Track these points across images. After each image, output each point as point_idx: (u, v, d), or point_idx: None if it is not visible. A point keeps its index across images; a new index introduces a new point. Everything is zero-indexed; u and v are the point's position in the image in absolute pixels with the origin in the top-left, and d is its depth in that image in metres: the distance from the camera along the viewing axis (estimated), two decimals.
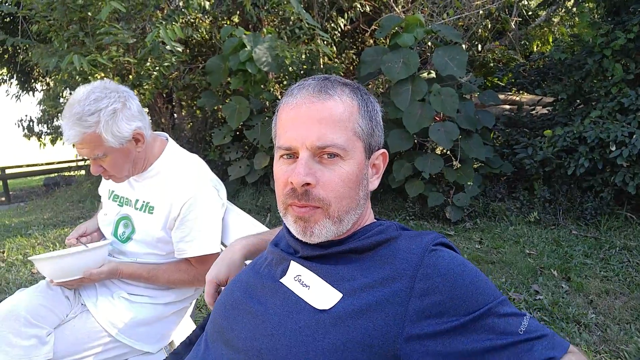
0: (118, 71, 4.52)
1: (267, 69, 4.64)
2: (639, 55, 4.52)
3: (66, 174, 10.28)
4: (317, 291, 0.77)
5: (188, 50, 6.18)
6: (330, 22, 6.25)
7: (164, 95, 6.54)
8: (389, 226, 0.85)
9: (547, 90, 5.89)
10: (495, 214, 4.54)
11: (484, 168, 4.92)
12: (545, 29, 8.15)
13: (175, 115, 6.95)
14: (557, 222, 4.24)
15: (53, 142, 8.90)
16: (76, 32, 4.12)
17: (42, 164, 11.45)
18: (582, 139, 4.21)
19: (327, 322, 0.73)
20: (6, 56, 8.80)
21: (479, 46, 7.18)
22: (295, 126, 0.78)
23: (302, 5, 4.78)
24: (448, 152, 4.78)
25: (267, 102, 5.27)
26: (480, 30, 6.77)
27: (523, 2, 7.46)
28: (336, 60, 6.26)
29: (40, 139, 9.18)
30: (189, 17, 5.26)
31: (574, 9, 6.29)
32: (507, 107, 6.31)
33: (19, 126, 9.03)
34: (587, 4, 5.48)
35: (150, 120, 3.60)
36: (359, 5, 6.28)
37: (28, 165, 11.38)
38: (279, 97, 5.44)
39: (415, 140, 4.74)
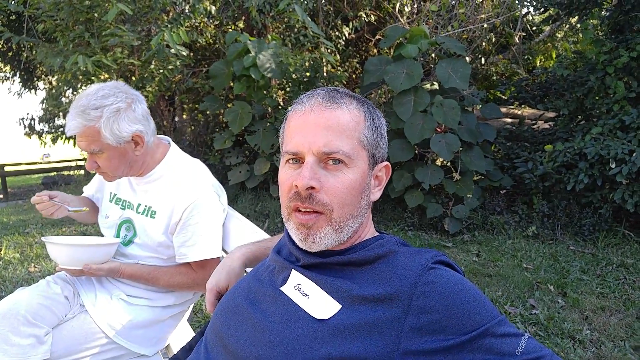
0: (122, 73, 4.55)
1: (271, 75, 4.66)
2: None
3: (65, 173, 10.28)
4: (316, 301, 0.78)
5: (192, 54, 6.22)
6: (335, 30, 6.29)
7: (167, 98, 6.57)
8: (389, 240, 0.85)
9: (549, 105, 5.92)
10: (493, 227, 4.54)
11: (483, 181, 4.93)
12: (549, 44, 8.22)
13: (177, 118, 6.98)
14: (555, 237, 4.24)
15: (54, 141, 8.91)
16: (82, 33, 4.14)
17: (41, 162, 11.46)
18: (582, 155, 4.22)
19: (325, 332, 0.73)
20: (10, 54, 8.83)
21: (483, 59, 7.24)
22: (303, 132, 0.80)
23: (307, 13, 4.82)
24: (448, 164, 4.80)
25: (270, 108, 5.29)
26: (484, 44, 6.83)
27: (527, 17, 7.52)
28: (339, 68, 6.30)
29: (41, 138, 9.20)
30: (194, 21, 5.29)
31: (578, 26, 6.35)
32: (509, 120, 6.33)
33: (20, 124, 9.05)
34: (591, 21, 5.53)
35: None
36: (364, 15, 6.33)
37: (27, 164, 11.38)
38: (282, 103, 5.46)
39: (416, 151, 4.75)
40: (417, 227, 4.66)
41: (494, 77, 7.95)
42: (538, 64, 8.54)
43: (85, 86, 3.93)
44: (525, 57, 8.00)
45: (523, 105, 6.81)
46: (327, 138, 0.78)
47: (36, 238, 4.56)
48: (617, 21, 4.94)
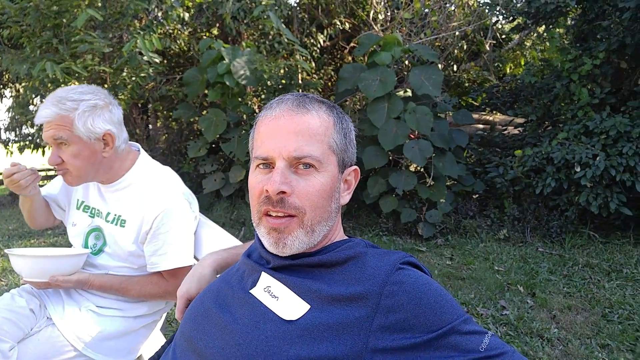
0: (93, 80, 4.46)
1: (245, 83, 4.66)
2: (604, 80, 4.73)
3: None
4: (285, 302, 0.79)
5: (165, 61, 6.16)
6: (310, 38, 6.33)
7: (140, 105, 6.47)
8: (359, 243, 0.88)
9: (519, 111, 6.08)
10: (466, 231, 4.63)
11: (456, 186, 5.02)
12: (518, 52, 8.45)
13: (150, 126, 6.88)
14: (524, 239, 4.35)
15: (21, 150, 8.64)
16: (50, 39, 4.05)
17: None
18: (549, 159, 4.35)
19: (293, 333, 0.74)
20: None
21: (455, 66, 7.38)
22: (273, 137, 0.81)
23: (281, 21, 4.84)
24: (422, 170, 4.88)
25: (244, 116, 5.27)
26: (456, 51, 6.97)
27: (497, 25, 7.72)
28: (314, 75, 6.34)
29: (8, 147, 8.90)
30: (167, 28, 5.25)
31: (545, 35, 6.56)
32: (481, 126, 6.47)
33: None
34: (557, 30, 5.72)
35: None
36: (338, 23, 6.39)
37: None
38: (257, 110, 5.45)
39: (390, 157, 4.81)
40: (392, 232, 4.71)
41: (466, 84, 8.11)
42: (508, 71, 8.76)
43: None
44: (496, 64, 8.19)
45: (494, 112, 6.97)
46: (298, 143, 0.79)
47: (1, 251, 4.41)
48: (582, 30, 5.13)
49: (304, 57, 5.32)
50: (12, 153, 8.86)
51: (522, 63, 8.51)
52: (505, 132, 6.24)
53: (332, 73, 7.07)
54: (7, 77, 8.85)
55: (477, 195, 5.24)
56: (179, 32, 5.75)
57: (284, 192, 0.78)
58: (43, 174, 10.31)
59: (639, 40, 4.26)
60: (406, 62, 5.59)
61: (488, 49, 7.27)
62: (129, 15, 4.39)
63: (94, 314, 1.42)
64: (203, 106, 5.63)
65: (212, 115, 5.03)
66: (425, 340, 0.71)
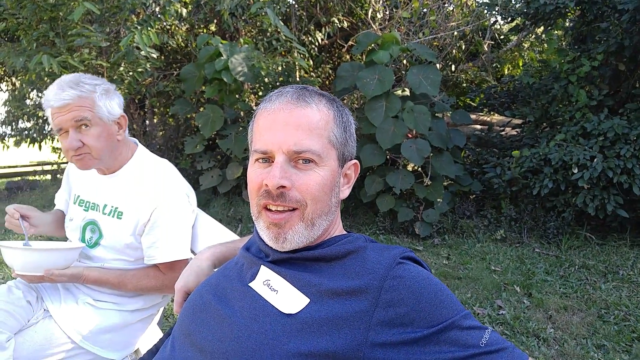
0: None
1: (243, 79, 4.64)
2: (602, 82, 4.75)
3: (30, 178, 9.92)
4: (284, 296, 0.78)
5: (163, 57, 6.12)
6: (308, 35, 6.32)
7: (137, 101, 6.44)
8: (358, 237, 0.87)
9: (516, 112, 6.09)
10: (463, 231, 4.63)
11: (453, 186, 5.02)
12: (516, 53, 8.47)
13: (147, 122, 6.85)
14: (521, 240, 4.35)
15: (17, 144, 8.58)
16: (46, 32, 4.01)
17: (4, 167, 11.03)
18: (547, 160, 4.36)
19: (292, 326, 0.73)
20: None
21: (453, 66, 7.40)
22: (272, 131, 0.80)
23: (279, 18, 4.82)
24: (419, 169, 4.87)
25: (242, 112, 5.25)
26: (454, 51, 6.98)
27: (496, 26, 7.73)
28: (312, 73, 6.32)
29: (4, 141, 8.85)
30: (165, 24, 5.22)
31: (543, 36, 6.57)
32: (478, 127, 6.48)
33: None
34: (555, 32, 5.73)
35: None
36: (336, 21, 6.38)
37: None
38: (254, 107, 5.43)
39: (388, 156, 4.80)
40: (389, 231, 4.71)
41: (464, 84, 8.13)
42: (506, 72, 8.78)
43: None
44: (494, 65, 8.21)
45: (492, 112, 6.98)
46: (298, 137, 0.78)
47: None
48: (580, 31, 5.14)
49: (301, 55, 5.30)
50: (8, 147, 8.81)
51: (520, 64, 8.54)
52: (503, 132, 6.25)
53: (330, 71, 7.06)
54: (2, 70, 8.79)
55: (474, 196, 5.24)
56: (177, 28, 5.72)
57: (283, 187, 0.77)
58: (39, 168, 10.27)
59: (637, 43, 4.27)
60: (404, 62, 5.59)
61: (486, 49, 7.29)
62: (126, 10, 4.35)
63: (91, 307, 1.41)
64: (200, 102, 5.61)
65: (210, 111, 5.01)
66: (425, 335, 0.71)
